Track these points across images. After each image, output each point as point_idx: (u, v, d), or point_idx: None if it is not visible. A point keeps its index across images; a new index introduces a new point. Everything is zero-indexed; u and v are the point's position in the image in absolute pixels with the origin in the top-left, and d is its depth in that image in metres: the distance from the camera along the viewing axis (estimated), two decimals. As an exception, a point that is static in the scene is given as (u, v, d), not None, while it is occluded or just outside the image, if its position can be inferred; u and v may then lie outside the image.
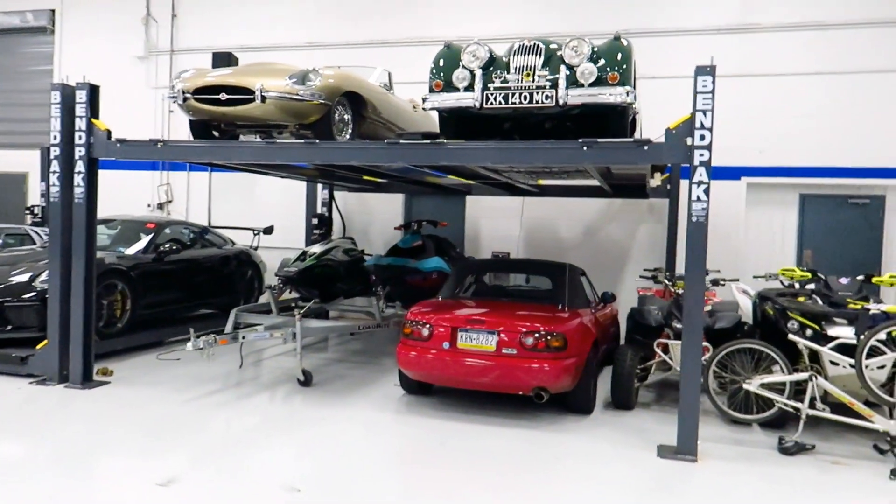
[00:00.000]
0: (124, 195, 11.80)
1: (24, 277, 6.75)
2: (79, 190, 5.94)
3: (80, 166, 5.94)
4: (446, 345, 5.28)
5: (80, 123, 5.94)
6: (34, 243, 9.29)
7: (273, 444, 4.83)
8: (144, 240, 8.04)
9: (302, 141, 5.53)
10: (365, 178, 9.46)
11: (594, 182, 8.43)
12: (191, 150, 5.91)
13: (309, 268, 7.98)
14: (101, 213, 12.13)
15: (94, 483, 4.12)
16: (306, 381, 6.23)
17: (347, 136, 6.20)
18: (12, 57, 12.95)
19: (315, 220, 10.15)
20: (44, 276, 6.72)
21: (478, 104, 5.19)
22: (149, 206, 11.69)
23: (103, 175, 12.02)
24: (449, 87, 5.34)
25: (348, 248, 9.05)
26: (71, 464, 4.35)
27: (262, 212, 11.15)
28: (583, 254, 9.50)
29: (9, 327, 6.59)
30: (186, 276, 8.38)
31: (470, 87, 5.26)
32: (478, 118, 5.48)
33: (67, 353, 5.99)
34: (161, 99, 11.64)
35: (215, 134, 6.47)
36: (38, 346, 6.12)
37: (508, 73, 5.22)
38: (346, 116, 6.24)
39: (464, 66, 5.30)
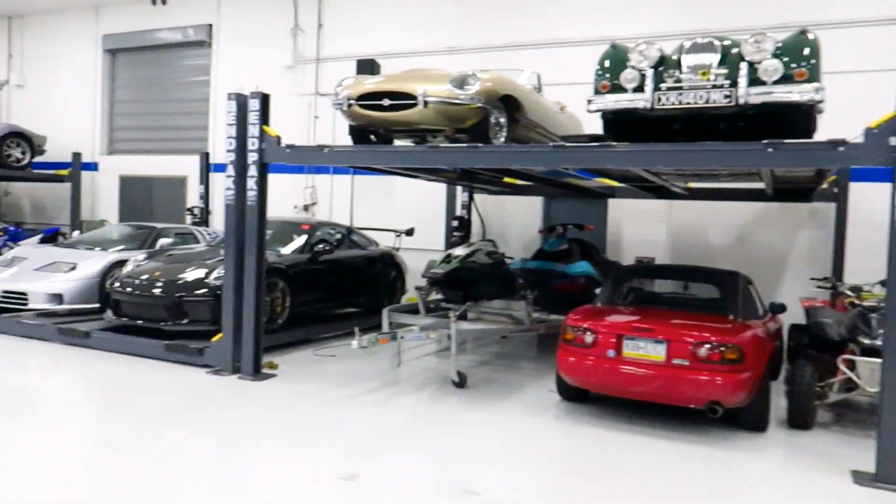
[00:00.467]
0: (271, 198, 12.48)
1: (200, 274, 7.26)
2: (251, 193, 6.28)
3: (252, 170, 6.28)
4: (611, 353, 5.13)
5: (254, 130, 6.28)
6: (198, 242, 9.99)
7: (436, 445, 4.89)
8: (299, 240, 8.43)
9: (465, 145, 5.57)
10: (505, 180, 9.46)
11: (750, 184, 7.97)
12: (355, 155, 6.10)
13: (454, 270, 8.07)
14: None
15: (277, 472, 4.31)
16: (461, 382, 6.28)
17: (502, 140, 6.19)
18: (172, 70, 14.04)
19: (455, 223, 10.25)
20: (216, 273, 7.21)
21: (649, 105, 5.01)
22: (295, 207, 12.28)
23: None
24: (616, 88, 5.19)
25: (490, 250, 9.05)
26: (253, 452, 4.62)
27: (400, 214, 11.41)
28: (734, 261, 8.97)
29: (185, 320, 7.12)
30: (336, 276, 8.71)
31: (639, 88, 5.09)
32: (645, 120, 5.30)
33: (240, 346, 6.37)
34: (307, 106, 12.23)
35: (372, 139, 6.68)
36: (213, 339, 6.55)
37: (681, 71, 5.01)
38: (501, 120, 6.23)
39: (633, 67, 5.14)
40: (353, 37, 11.89)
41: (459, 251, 8.49)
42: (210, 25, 13.16)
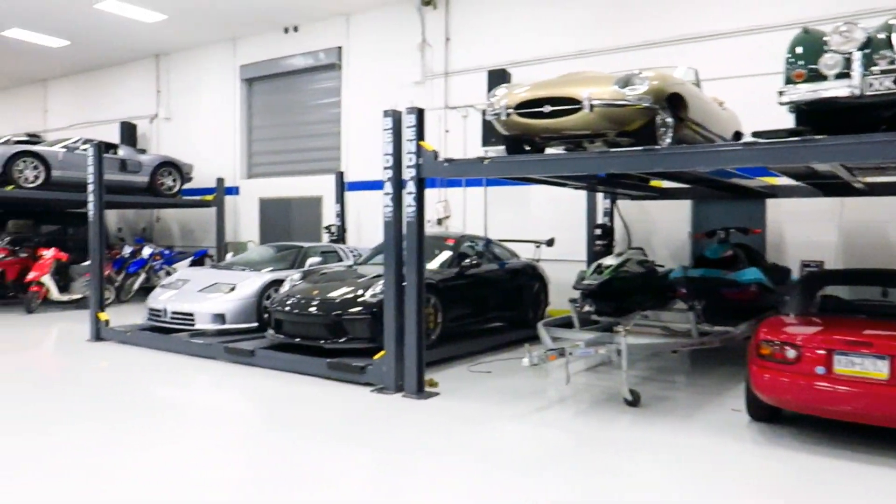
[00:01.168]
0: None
1: (357, 292, 7.32)
2: (409, 209, 6.24)
3: (410, 186, 6.24)
4: (820, 369, 4.61)
5: (410, 146, 6.24)
6: (341, 259, 10.18)
7: (623, 468, 4.56)
8: (445, 254, 8.36)
9: (640, 148, 5.24)
10: (652, 183, 8.99)
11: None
12: (518, 165, 5.91)
13: (608, 280, 7.72)
14: (371, 232, 13.25)
15: (454, 498, 4.14)
16: (634, 401, 5.91)
17: (668, 141, 5.80)
18: (304, 93, 14.53)
19: (598, 231, 9.87)
20: (372, 291, 7.24)
21: (857, 92, 4.48)
22: (428, 221, 12.28)
23: (367, 195, 12.85)
24: (814, 76, 4.70)
25: (641, 259, 8.64)
26: (427, 474, 4.47)
27: (536, 224, 11.17)
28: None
29: (344, 338, 7.18)
30: (482, 290, 8.56)
31: (843, 75, 4.57)
32: (847, 109, 4.76)
33: (402, 364, 6.32)
34: (437, 120, 12.24)
35: (527, 148, 6.48)
36: (376, 357, 6.54)
37: (895, 52, 4.45)
38: (667, 120, 5.85)
39: (834, 51, 4.63)
40: (481, 48, 11.82)
41: (610, 261, 8.13)
42: (339, 48, 13.52)
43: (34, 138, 13.90)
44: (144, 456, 4.76)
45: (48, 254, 11.90)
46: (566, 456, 4.83)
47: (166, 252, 14.23)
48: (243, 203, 15.20)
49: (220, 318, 8.41)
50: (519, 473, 4.43)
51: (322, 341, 7.23)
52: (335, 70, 13.75)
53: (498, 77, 11.03)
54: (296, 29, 14.05)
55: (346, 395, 6.38)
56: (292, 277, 8.10)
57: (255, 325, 8.60)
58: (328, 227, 12.80)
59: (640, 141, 5.63)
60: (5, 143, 12.83)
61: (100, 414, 5.77)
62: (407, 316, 6.25)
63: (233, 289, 8.60)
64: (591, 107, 5.49)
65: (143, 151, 14.59)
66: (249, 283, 8.67)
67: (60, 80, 18.81)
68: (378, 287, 7.27)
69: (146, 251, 13.68)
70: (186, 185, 14.84)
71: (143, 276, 13.66)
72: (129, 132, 16.49)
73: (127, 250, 13.57)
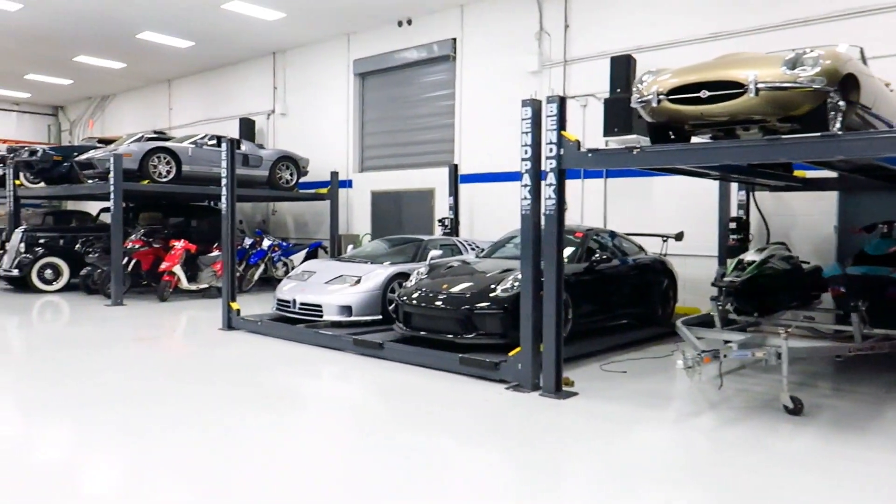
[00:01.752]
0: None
1: (487, 286, 7.17)
2: (549, 202, 6.02)
3: (550, 178, 6.01)
4: None
5: (551, 136, 6.02)
6: (461, 253, 10.08)
7: (802, 488, 4.16)
8: (572, 249, 8.07)
9: (819, 135, 4.78)
10: (796, 173, 8.34)
11: None
12: (672, 155, 5.55)
13: (752, 278, 7.20)
14: (484, 224, 13.09)
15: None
16: (796, 409, 5.44)
17: (837, 127, 5.28)
18: (416, 86, 14.54)
19: (732, 225, 9.29)
20: (503, 286, 7.08)
21: None
22: (544, 214, 12.00)
23: (481, 187, 12.68)
24: None
25: (785, 255, 8.02)
26: (576, 484, 4.24)
27: (658, 217, 10.69)
28: None
29: (475, 333, 7.06)
30: (610, 286, 8.23)
31: None
32: None
33: (539, 361, 6.12)
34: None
35: (672, 136, 6.11)
36: (511, 353, 6.37)
37: None
38: (839, 103, 5.33)
39: None
40: (603, 34, 11.39)
41: (752, 256, 7.60)
42: (453, 40, 13.42)
43: (161, 135, 14.64)
44: (276, 445, 4.82)
45: (179, 245, 12.50)
46: (721, 468, 4.45)
47: (284, 244, 14.67)
48: (356, 196, 15.45)
49: (347, 310, 8.50)
50: (669, 485, 4.12)
51: (452, 336, 7.14)
52: (448, 62, 13.67)
53: (622, 64, 10.59)
54: (409, 22, 14.08)
55: (479, 391, 6.24)
56: (419, 271, 8.06)
57: (380, 317, 8.64)
58: (442, 221, 12.76)
59: (805, 127, 5.16)
60: (139, 140, 13.59)
61: (237, 403, 5.91)
62: (546, 312, 6.03)
63: (358, 281, 8.67)
64: (757, 90, 5.07)
65: (261, 147, 15.09)
66: (374, 276, 8.72)
67: (184, 80, 19.78)
68: (509, 282, 7.11)
69: (266, 243, 14.15)
70: (302, 179, 15.25)
71: (262, 267, 14.15)
72: (248, 128, 17.12)
73: (247, 242, 14.06)
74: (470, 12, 13.17)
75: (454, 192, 12.74)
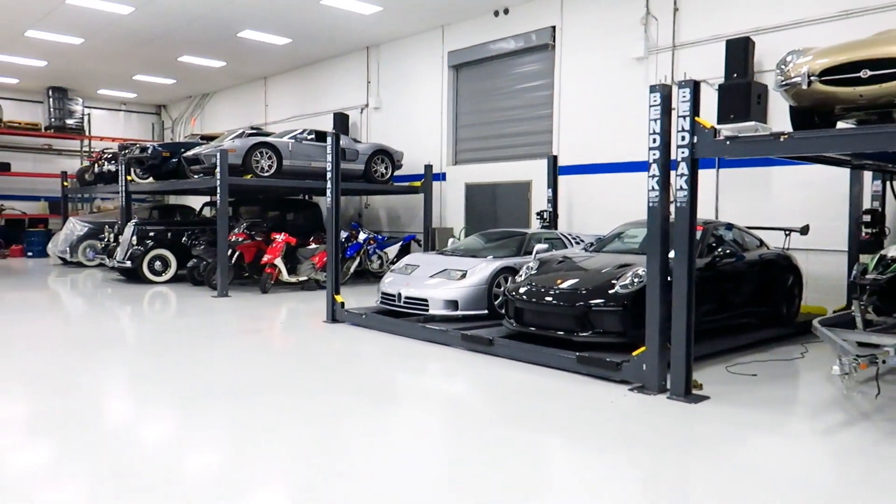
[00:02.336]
0: (616, 197, 11.96)
1: (605, 281, 6.86)
2: (682, 193, 5.64)
3: (682, 168, 5.64)
4: None
5: (683, 123, 5.63)
6: (566, 246, 9.77)
7: None
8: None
9: None
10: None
11: None
12: (828, 142, 5.03)
13: (898, 276, 6.58)
14: (582, 217, 12.68)
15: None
16: (969, 423, 4.88)
17: None
18: (512, 77, 14.25)
19: (867, 217, 8.56)
20: (622, 282, 6.74)
21: None
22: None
23: (580, 179, 12.19)
24: None
25: (936, 250, 7.30)
26: None
27: (777, 208, 10.03)
28: None
29: (592, 331, 6.76)
30: (731, 283, 7.73)
31: None
32: None
33: (666, 362, 5.78)
34: (660, 97, 11.38)
35: (817, 120, 5.61)
36: (635, 353, 6.04)
37: None
38: None
39: None
40: (716, 16, 10.75)
41: (895, 252, 6.97)
42: (552, 28, 13.05)
43: (258, 131, 14.98)
44: (382, 440, 4.72)
45: (280, 238, 12.73)
46: (881, 494, 4.03)
47: (379, 237, 14.75)
48: (449, 189, 15.34)
49: (453, 304, 8.36)
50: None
51: (567, 333, 6.86)
52: (547, 51, 13.30)
53: (739, 47, 9.97)
54: (506, 11, 13.80)
55: (598, 392, 5.95)
56: (528, 265, 7.81)
57: (486, 312, 8.46)
58: (540, 213, 12.45)
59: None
60: (240, 136, 13.95)
61: (343, 395, 5.85)
62: (676, 310, 5.67)
63: (464, 275, 8.51)
64: (932, 68, 4.55)
65: (357, 141, 15.19)
66: (480, 270, 8.54)
67: (279, 77, 20.23)
68: (628, 277, 6.76)
69: (361, 236, 14.26)
70: (396, 173, 15.27)
71: (357, 260, 14.26)
72: (342, 122, 17.32)
73: (343, 235, 14.19)
74: (570, -1, 12.78)
75: (553, 185, 12.40)
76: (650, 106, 5.83)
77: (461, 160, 15.35)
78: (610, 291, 6.71)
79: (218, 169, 12.00)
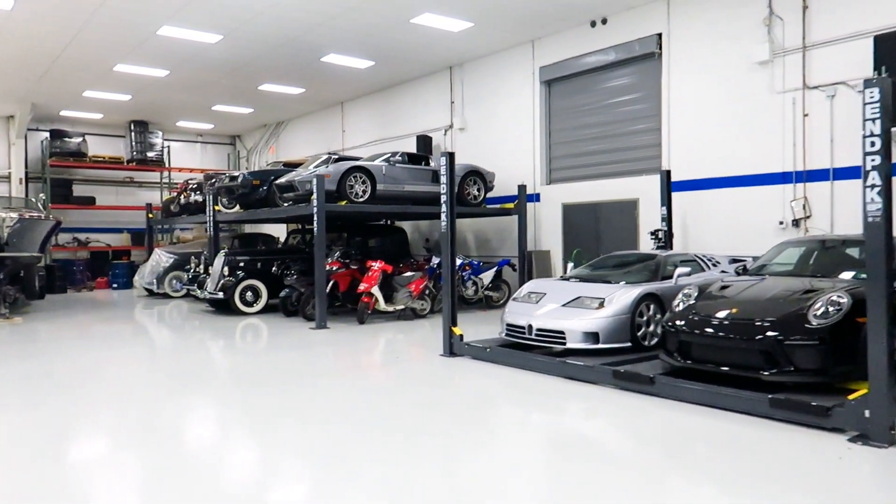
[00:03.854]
0: (741, 213, 10.98)
1: (795, 311, 5.95)
2: (873, 206, 4.76)
3: (873, 178, 4.76)
4: None
5: (872, 126, 4.78)
6: (702, 269, 8.87)
7: None
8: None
9: None
10: None
11: None
12: None
13: None
14: (698, 235, 11.71)
15: None
16: None
17: None
18: (609, 91, 13.47)
19: None
20: (815, 310, 5.83)
21: None
22: (780, 223, 10.52)
23: (695, 195, 11.16)
24: None
25: None
26: None
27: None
28: None
29: (776, 369, 5.85)
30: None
31: None
32: None
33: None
34: (790, 103, 10.43)
35: None
36: (852, 396, 5.12)
37: None
38: None
39: None
40: (854, 13, 9.76)
41: None
42: (658, 35, 12.25)
43: (341, 156, 14.57)
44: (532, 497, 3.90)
45: (376, 266, 12.19)
46: None
47: (474, 262, 14.08)
48: (544, 210, 14.58)
49: (593, 336, 7.56)
50: None
51: (750, 371, 5.96)
52: (652, 60, 12.50)
53: (890, 42, 8.97)
54: (604, 21, 13.07)
55: (806, 443, 5.04)
56: (685, 292, 6.98)
57: (629, 345, 7.63)
58: (654, 233, 11.55)
59: None
60: (325, 161, 13.55)
61: (476, 441, 5.10)
62: (907, 345, 4.76)
63: (602, 304, 7.71)
64: None
65: (449, 162, 14.59)
66: (620, 298, 7.71)
67: (356, 101, 19.96)
68: (821, 306, 5.84)
69: (456, 262, 13.59)
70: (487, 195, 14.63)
71: (452, 287, 13.59)
72: (425, 144, 16.83)
73: (435, 261, 13.58)
74: (678, 3, 11.95)
75: (667, 202, 11.50)
76: (865, 104, 4.97)
77: (556, 179, 14.59)
78: (807, 326, 5.77)
79: (315, 195, 11.56)
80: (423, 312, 13.00)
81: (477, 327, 10.78)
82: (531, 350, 8.09)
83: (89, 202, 22.20)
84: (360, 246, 14.45)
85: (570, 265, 9.62)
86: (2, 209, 13.58)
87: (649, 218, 12.36)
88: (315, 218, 11.62)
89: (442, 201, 8.92)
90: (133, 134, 22.54)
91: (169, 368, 8.85)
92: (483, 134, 15.98)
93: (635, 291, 7.79)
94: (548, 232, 14.53)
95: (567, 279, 9.06)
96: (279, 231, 21.69)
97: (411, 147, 16.79)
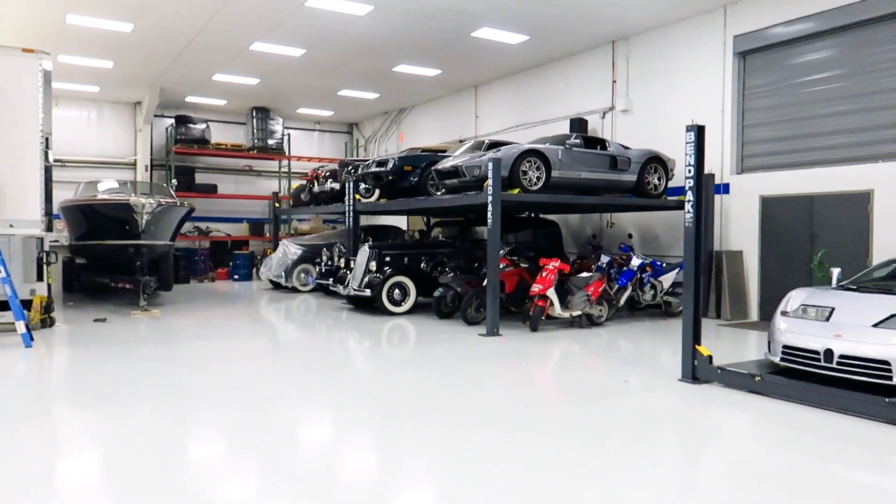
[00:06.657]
0: None
1: None
2: None
3: None
4: None
5: None
6: None
7: None
8: None
9: None
10: None
11: None
12: None
13: None
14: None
15: None
16: None
17: None
18: (826, 61, 11.26)
19: None
20: None
21: None
22: None
23: None
24: None
25: None
26: None
27: None
28: None
29: None
30: None
31: None
32: None
33: None
34: None
35: None
36: None
37: None
38: None
39: None
40: None
41: None
42: (907, -10, 10.00)
43: (494, 141, 12.94)
44: None
45: (552, 266, 10.53)
46: None
47: (657, 263, 12.20)
48: (733, 203, 12.51)
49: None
50: None
51: None
52: (893, 21, 10.24)
53: None
54: (826, -23, 10.89)
55: None
56: None
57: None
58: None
59: None
60: (478, 146, 11.99)
61: None
62: None
63: (936, 325, 5.72)
64: None
65: (626, 147, 12.76)
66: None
67: (491, 84, 18.38)
68: None
69: (635, 262, 11.77)
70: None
71: (629, 291, 11.80)
72: (579, 128, 15.01)
73: (604, 259, 11.79)
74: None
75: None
76: None
77: (750, 167, 12.48)
78: None
79: (490, 181, 9.99)
80: (599, 320, 11.27)
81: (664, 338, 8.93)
82: (821, 381, 6.19)
83: (211, 190, 21.62)
84: (505, 241, 12.75)
85: (837, 272, 7.59)
86: (141, 195, 12.73)
87: (888, 213, 10.14)
88: (490, 208, 10.04)
89: (687, 187, 7.14)
90: (255, 121, 21.78)
91: (325, 377, 7.47)
92: (652, 117, 14.01)
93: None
94: (739, 229, 12.44)
95: (850, 289, 7.07)
96: (401, 223, 20.45)
97: (560, 132, 15.01)
